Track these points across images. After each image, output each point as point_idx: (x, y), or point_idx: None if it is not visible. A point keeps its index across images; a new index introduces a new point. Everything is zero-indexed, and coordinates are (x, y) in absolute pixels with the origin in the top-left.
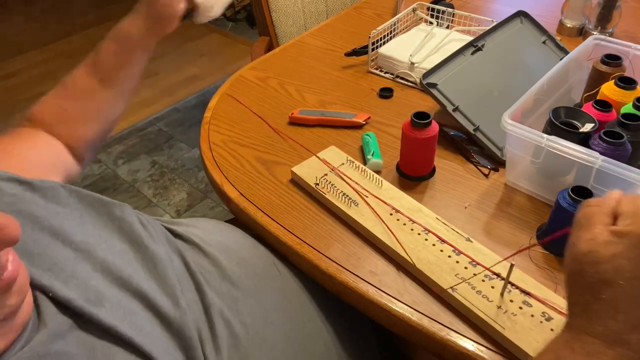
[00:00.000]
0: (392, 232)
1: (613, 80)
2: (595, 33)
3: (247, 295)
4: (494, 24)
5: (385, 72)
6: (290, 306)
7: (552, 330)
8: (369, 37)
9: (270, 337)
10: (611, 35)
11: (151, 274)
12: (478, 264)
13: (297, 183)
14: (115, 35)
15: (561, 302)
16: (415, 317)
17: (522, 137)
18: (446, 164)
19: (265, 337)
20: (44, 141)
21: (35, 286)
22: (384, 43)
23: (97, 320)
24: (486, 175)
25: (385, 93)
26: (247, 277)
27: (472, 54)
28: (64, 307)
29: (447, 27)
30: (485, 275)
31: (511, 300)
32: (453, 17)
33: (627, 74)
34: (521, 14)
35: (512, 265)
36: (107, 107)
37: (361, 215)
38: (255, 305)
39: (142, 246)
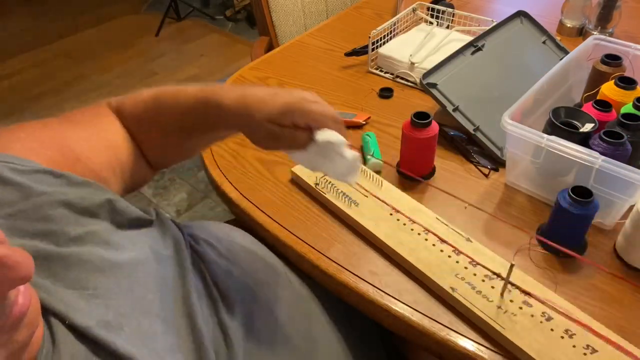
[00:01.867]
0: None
1: (613, 80)
2: (595, 33)
3: (260, 308)
4: (494, 24)
5: (385, 72)
6: (302, 317)
7: (552, 330)
8: (369, 37)
9: (283, 350)
10: (611, 35)
11: (172, 291)
12: (478, 264)
13: (297, 183)
14: (213, 115)
15: (561, 302)
16: (415, 317)
17: (522, 137)
18: (446, 164)
19: (278, 350)
20: (122, 131)
21: (50, 312)
22: (384, 43)
23: (115, 349)
24: (486, 175)
25: (385, 93)
26: (261, 289)
27: (472, 54)
28: (79, 333)
29: (447, 27)
30: (485, 275)
31: (511, 300)
32: (453, 17)
33: (627, 74)
34: (521, 14)
35: (512, 265)
36: (180, 148)
37: (361, 216)
38: (269, 318)
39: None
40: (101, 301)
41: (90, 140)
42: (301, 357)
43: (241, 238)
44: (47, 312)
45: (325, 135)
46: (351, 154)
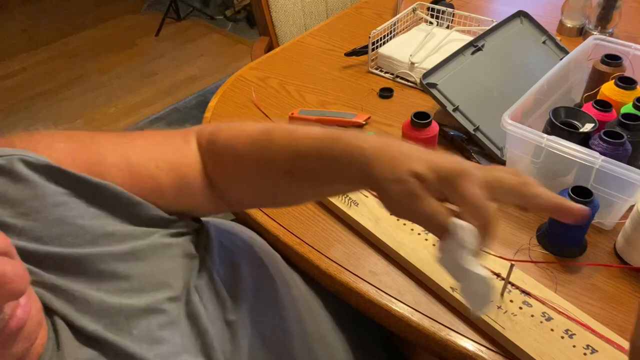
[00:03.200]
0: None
1: (613, 80)
2: (595, 33)
3: (266, 306)
4: (494, 24)
5: (385, 72)
6: (308, 317)
7: (552, 330)
8: (369, 37)
9: (289, 349)
10: (611, 35)
11: (175, 289)
12: None
13: None
14: (339, 161)
15: (561, 302)
16: (415, 317)
17: (522, 137)
18: None
19: (285, 348)
20: (193, 152)
21: (57, 313)
22: (384, 43)
23: (123, 350)
24: None
25: (385, 93)
26: (267, 287)
27: (472, 54)
28: (86, 336)
29: (447, 27)
30: None
31: (511, 300)
32: (453, 17)
33: (627, 74)
34: (521, 14)
35: (512, 265)
36: (279, 194)
37: (361, 216)
38: (275, 316)
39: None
40: (115, 301)
41: (148, 151)
42: (306, 356)
43: (247, 234)
44: (54, 313)
45: (459, 222)
46: (483, 270)
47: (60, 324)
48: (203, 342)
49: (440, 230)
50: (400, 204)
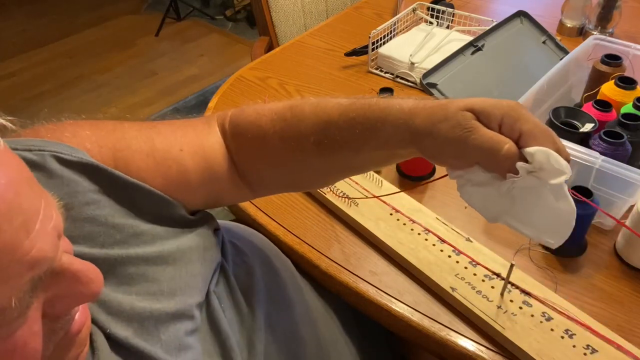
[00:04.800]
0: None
1: (613, 80)
2: (595, 33)
3: (279, 311)
4: (494, 24)
5: (385, 72)
6: (318, 322)
7: (552, 330)
8: (369, 37)
9: (301, 354)
10: (611, 35)
11: (198, 293)
12: (478, 264)
13: None
14: (375, 121)
15: (561, 302)
16: (415, 317)
17: None
18: None
19: (297, 354)
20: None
21: (92, 320)
22: (384, 43)
23: (152, 358)
24: None
25: (385, 93)
26: (279, 291)
27: (472, 54)
28: (117, 343)
29: (447, 27)
30: (485, 275)
31: (511, 300)
32: (453, 17)
33: (627, 74)
34: (521, 14)
35: (512, 265)
36: (308, 173)
37: (361, 216)
38: (287, 321)
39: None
40: (145, 305)
41: (172, 138)
42: (315, 358)
43: (257, 238)
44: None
45: (547, 152)
46: (570, 199)
47: (94, 329)
48: (224, 348)
49: (505, 161)
50: (451, 141)
